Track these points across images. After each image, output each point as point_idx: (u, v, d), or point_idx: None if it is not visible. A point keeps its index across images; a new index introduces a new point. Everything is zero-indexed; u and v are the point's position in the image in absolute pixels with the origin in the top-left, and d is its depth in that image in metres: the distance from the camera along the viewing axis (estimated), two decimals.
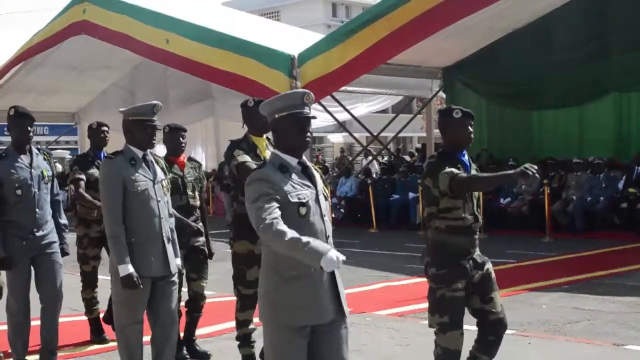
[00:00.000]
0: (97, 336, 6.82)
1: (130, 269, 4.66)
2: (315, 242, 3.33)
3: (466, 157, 4.67)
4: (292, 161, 3.59)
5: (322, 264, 3.29)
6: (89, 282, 6.87)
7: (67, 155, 32.27)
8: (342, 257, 3.34)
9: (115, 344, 6.48)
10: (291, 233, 3.34)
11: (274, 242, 3.39)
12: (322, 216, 3.58)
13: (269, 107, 3.63)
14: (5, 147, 5.91)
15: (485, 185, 4.83)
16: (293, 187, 3.52)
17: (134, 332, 4.79)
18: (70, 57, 20.69)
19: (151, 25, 16.81)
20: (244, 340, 5.54)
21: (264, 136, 5.50)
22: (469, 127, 4.61)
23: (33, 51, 20.28)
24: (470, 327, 4.76)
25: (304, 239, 3.33)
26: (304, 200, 3.51)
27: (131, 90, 22.10)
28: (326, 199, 3.67)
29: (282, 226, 3.36)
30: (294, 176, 3.55)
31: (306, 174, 3.62)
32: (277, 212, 3.40)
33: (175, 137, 6.26)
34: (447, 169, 4.45)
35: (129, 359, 4.80)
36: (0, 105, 20.61)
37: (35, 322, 5.80)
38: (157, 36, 16.56)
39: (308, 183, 3.58)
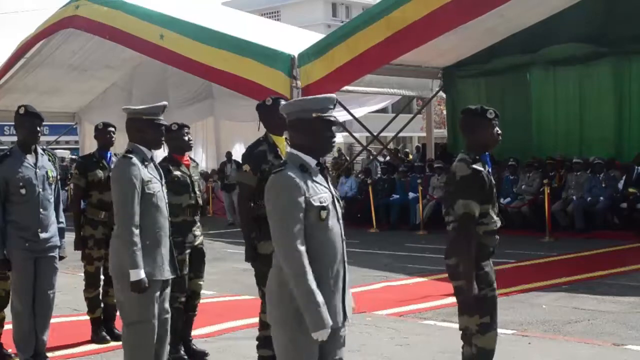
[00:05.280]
0: (97, 335, 6.82)
1: (143, 274, 4.59)
2: (325, 308, 3.35)
3: (488, 157, 4.63)
4: (312, 162, 3.53)
5: (317, 332, 3.34)
6: (92, 281, 6.86)
7: (67, 155, 32.31)
8: (324, 338, 3.38)
9: (115, 343, 6.57)
10: (312, 279, 3.34)
11: (288, 269, 3.37)
12: (338, 219, 3.57)
13: (305, 105, 3.57)
14: (9, 147, 5.89)
15: (463, 260, 4.41)
16: (314, 189, 3.48)
17: (146, 330, 4.73)
18: (71, 57, 20.75)
19: (145, 21, 16.88)
20: (266, 341, 5.30)
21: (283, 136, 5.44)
22: (498, 128, 4.57)
23: (25, 47, 20.40)
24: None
25: (320, 297, 3.35)
26: (324, 204, 3.48)
27: (131, 90, 22.14)
28: (338, 201, 3.63)
29: (307, 262, 3.35)
30: (313, 177, 3.51)
31: (323, 175, 3.59)
32: (302, 236, 3.38)
33: (182, 134, 6.22)
34: (472, 203, 4.37)
35: (138, 357, 4.76)
36: (0, 105, 20.96)
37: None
38: (151, 31, 16.61)
39: (325, 185, 3.56)
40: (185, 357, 6.17)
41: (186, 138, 6.23)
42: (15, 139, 5.98)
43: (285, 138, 5.35)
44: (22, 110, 5.68)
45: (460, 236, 4.39)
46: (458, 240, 4.41)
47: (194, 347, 6.31)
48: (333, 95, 3.65)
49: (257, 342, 5.46)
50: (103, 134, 6.91)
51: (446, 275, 4.66)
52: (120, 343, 6.42)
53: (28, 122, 5.68)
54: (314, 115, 3.53)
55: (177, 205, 5.97)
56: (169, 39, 16.31)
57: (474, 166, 4.45)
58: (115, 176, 4.76)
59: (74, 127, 25.63)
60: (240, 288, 9.13)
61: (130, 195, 4.65)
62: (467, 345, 4.52)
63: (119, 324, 6.79)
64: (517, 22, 15.40)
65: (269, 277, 3.57)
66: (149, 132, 4.80)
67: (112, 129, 6.94)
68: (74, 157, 31.77)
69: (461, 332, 4.56)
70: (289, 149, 3.56)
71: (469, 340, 4.51)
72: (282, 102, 4.96)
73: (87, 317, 6.95)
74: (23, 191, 5.60)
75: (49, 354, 5.93)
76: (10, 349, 6.26)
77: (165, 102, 4.96)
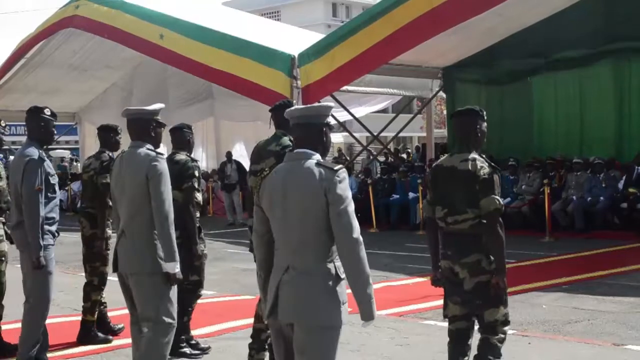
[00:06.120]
0: (97, 337, 6.79)
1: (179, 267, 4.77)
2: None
3: None
4: None
5: (368, 322, 3.48)
6: (104, 283, 6.86)
7: (67, 155, 32.29)
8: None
9: (116, 343, 6.57)
10: None
11: (361, 261, 3.50)
12: None
13: (325, 111, 3.70)
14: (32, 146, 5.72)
15: (500, 254, 4.55)
16: None
17: (174, 326, 4.84)
18: (71, 57, 20.75)
19: (145, 21, 16.90)
20: (263, 344, 5.49)
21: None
22: None
23: (26, 47, 20.41)
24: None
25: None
26: None
27: (131, 90, 22.14)
28: None
29: None
30: None
31: None
32: None
33: (190, 135, 6.41)
34: (499, 198, 4.51)
35: (165, 354, 4.80)
36: (0, 105, 20.96)
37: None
38: (151, 31, 16.63)
39: None
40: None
41: (193, 139, 6.44)
42: (15, 138, 5.98)
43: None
44: (48, 112, 5.75)
45: (495, 232, 4.48)
46: (494, 236, 4.48)
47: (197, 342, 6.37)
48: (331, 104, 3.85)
49: (252, 345, 5.49)
50: (115, 135, 6.97)
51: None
52: (119, 343, 6.51)
53: (52, 124, 5.77)
54: (326, 120, 3.69)
55: (198, 203, 6.04)
56: (169, 38, 16.32)
57: (493, 164, 4.60)
58: (155, 174, 4.74)
59: (74, 127, 25.62)
60: (240, 288, 9.13)
61: (170, 193, 4.79)
62: (493, 335, 4.56)
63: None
64: (517, 22, 15.40)
65: (306, 281, 3.51)
66: (158, 132, 4.96)
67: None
68: (73, 157, 31.80)
69: (486, 326, 4.57)
70: (304, 150, 3.62)
71: (493, 330, 4.56)
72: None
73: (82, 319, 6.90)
74: (56, 188, 5.70)
75: (48, 354, 5.93)
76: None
77: (162, 104, 5.09)
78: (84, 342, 6.72)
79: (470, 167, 4.53)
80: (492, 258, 4.51)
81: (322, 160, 3.59)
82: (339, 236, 3.47)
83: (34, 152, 5.59)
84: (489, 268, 4.50)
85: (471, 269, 4.51)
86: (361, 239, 3.52)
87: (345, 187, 3.50)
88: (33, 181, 5.48)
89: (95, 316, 6.84)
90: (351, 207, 3.51)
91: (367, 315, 3.48)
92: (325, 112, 3.69)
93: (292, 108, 3.77)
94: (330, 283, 3.50)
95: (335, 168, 3.51)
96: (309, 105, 3.72)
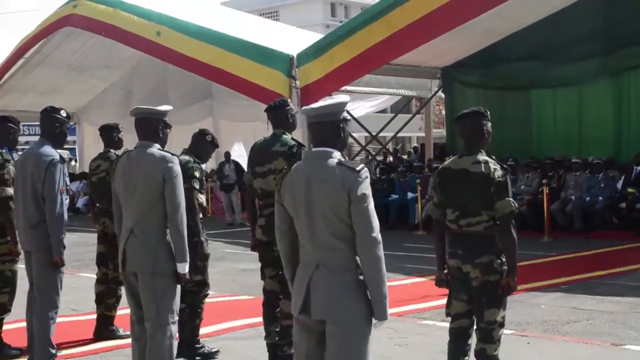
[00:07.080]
0: (114, 333, 6.80)
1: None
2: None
3: None
4: None
5: (381, 321, 3.54)
6: None
7: (66, 154, 32.27)
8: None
9: (115, 343, 6.58)
10: None
11: (379, 260, 3.52)
12: None
13: (341, 107, 3.72)
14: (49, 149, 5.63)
15: (513, 255, 4.57)
16: None
17: (176, 327, 4.87)
18: (70, 56, 20.75)
19: (142, 19, 16.92)
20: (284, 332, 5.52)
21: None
22: None
23: (25, 47, 20.42)
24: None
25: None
26: None
27: (131, 90, 22.14)
28: None
29: None
30: None
31: None
32: None
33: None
34: (513, 200, 4.54)
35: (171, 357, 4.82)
36: None
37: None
38: (148, 29, 16.65)
39: None
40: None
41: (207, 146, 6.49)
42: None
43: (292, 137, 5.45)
44: (64, 113, 5.73)
45: (509, 233, 4.50)
46: (507, 237, 4.50)
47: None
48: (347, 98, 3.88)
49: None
50: (119, 134, 7.00)
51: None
52: (119, 343, 6.52)
53: (67, 125, 5.77)
54: (343, 116, 3.71)
55: (201, 204, 6.04)
56: (166, 36, 16.33)
57: (505, 166, 4.62)
58: (171, 175, 4.75)
59: (73, 127, 25.60)
60: (240, 288, 9.13)
61: (183, 193, 4.82)
62: (489, 343, 4.55)
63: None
64: (516, 23, 15.40)
65: (338, 278, 3.57)
66: (165, 133, 4.97)
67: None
68: (71, 157, 31.74)
69: (484, 328, 4.56)
70: (324, 148, 3.65)
71: (489, 336, 4.55)
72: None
73: (89, 317, 6.91)
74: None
75: None
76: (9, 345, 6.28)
77: (170, 107, 5.08)
78: (103, 337, 6.75)
79: (483, 170, 4.52)
80: (503, 259, 4.53)
81: (343, 160, 3.63)
82: (359, 234, 3.52)
83: (54, 152, 5.56)
84: (500, 269, 4.52)
85: (483, 269, 4.53)
86: (380, 238, 3.54)
87: (366, 187, 3.55)
88: (58, 182, 5.47)
89: (116, 312, 6.85)
90: (372, 206, 3.56)
91: (381, 315, 3.53)
92: (341, 109, 3.72)
93: (309, 107, 3.75)
94: (362, 278, 3.56)
95: (357, 168, 3.56)
96: (325, 104, 3.72)
